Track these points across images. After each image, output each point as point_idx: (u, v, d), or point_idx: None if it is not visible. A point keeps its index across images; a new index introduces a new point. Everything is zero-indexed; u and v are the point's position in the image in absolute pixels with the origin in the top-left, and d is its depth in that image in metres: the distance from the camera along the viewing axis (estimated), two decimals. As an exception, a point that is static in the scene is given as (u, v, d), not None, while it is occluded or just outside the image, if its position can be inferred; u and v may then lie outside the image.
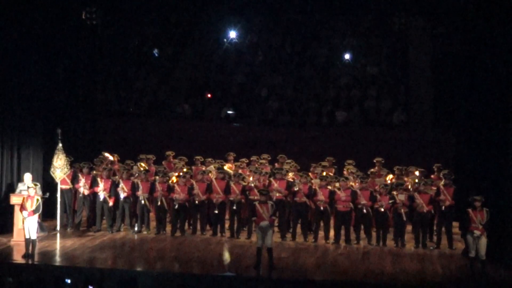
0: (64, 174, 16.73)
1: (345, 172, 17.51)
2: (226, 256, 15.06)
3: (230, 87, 23.60)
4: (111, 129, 21.45)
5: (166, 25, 24.41)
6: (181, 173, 17.18)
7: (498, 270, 14.04)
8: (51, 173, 16.69)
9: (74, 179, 17.11)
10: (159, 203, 16.63)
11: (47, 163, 17.09)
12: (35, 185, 14.97)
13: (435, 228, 16.46)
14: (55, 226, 16.81)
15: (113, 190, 16.77)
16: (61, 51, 18.11)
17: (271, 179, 16.74)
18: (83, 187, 16.92)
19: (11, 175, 16.94)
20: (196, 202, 16.57)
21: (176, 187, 16.63)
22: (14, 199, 15.72)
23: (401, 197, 15.71)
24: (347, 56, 23.41)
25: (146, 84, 23.67)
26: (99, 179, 16.89)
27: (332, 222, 16.36)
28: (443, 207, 15.82)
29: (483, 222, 13.73)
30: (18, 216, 15.37)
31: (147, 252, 15.12)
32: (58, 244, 15.75)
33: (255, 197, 15.52)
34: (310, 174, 17.16)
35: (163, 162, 18.86)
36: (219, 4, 21.12)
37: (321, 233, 16.28)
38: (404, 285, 13.31)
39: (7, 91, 16.80)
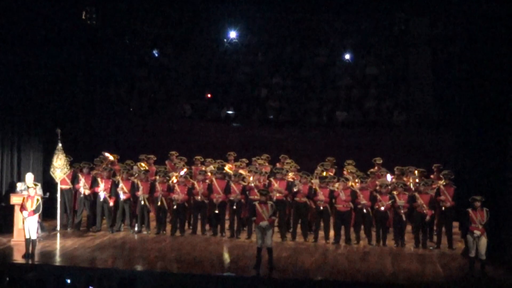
0: (64, 174, 16.73)
1: (345, 172, 17.50)
2: (226, 256, 15.06)
3: (230, 87, 23.61)
4: (111, 129, 21.45)
5: (166, 25, 24.41)
6: (182, 173, 17.18)
7: (498, 270, 14.04)
8: (51, 173, 16.69)
9: (74, 179, 17.10)
10: (159, 203, 16.64)
11: (47, 163, 17.09)
12: (35, 185, 14.97)
13: (435, 228, 16.46)
14: (55, 226, 16.80)
15: (113, 190, 16.77)
16: (61, 51, 18.10)
17: (271, 179, 16.73)
18: (83, 187, 16.92)
19: (11, 175, 16.95)
20: (198, 198, 16.57)
21: (176, 187, 16.64)
22: (14, 199, 15.71)
23: (400, 203, 15.71)
24: (347, 56, 23.43)
25: (146, 84, 23.67)
26: (99, 179, 16.89)
27: (332, 222, 16.36)
28: (443, 207, 15.82)
29: (483, 222, 13.74)
30: (18, 216, 15.36)
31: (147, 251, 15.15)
32: (58, 244, 15.76)
33: (255, 197, 15.51)
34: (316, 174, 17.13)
35: (166, 162, 18.86)
36: (219, 4, 21.09)
37: (321, 233, 16.29)
38: (404, 285, 13.31)
39: (7, 91, 16.79)
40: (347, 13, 22.76)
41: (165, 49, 24.41)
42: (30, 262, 14.04)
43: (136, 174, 17.32)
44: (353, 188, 16.40)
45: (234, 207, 16.42)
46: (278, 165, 18.27)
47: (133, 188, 16.83)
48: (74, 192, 17.24)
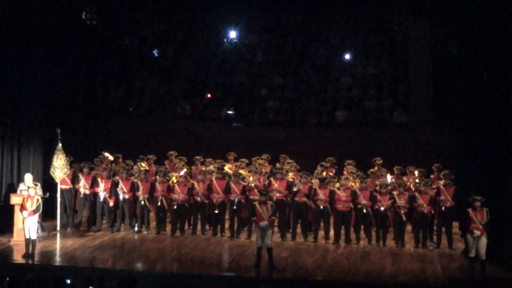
0: (64, 174, 16.71)
1: (345, 172, 17.49)
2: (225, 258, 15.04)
3: (230, 87, 23.61)
4: (111, 129, 21.45)
5: (166, 25, 24.42)
6: (182, 173, 17.18)
7: (498, 270, 14.04)
8: (51, 173, 16.67)
9: (74, 179, 17.11)
10: (159, 203, 16.64)
11: (47, 163, 17.09)
12: (35, 185, 14.96)
13: (435, 228, 16.46)
14: (55, 226, 16.80)
15: (113, 190, 16.76)
16: (61, 51, 18.10)
17: (271, 179, 16.73)
18: (83, 187, 16.92)
19: (11, 175, 16.95)
20: (198, 199, 16.58)
21: (176, 187, 16.64)
22: (14, 199, 15.71)
23: (400, 203, 15.71)
24: (347, 56, 23.44)
25: (146, 84, 23.67)
26: (99, 179, 16.89)
27: (332, 222, 16.36)
28: (443, 207, 15.82)
29: (483, 222, 13.73)
30: (18, 216, 15.37)
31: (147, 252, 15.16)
32: (58, 244, 15.75)
33: (255, 197, 15.51)
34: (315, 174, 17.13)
35: (166, 162, 18.86)
36: (219, 4, 21.10)
37: (321, 233, 16.28)
38: (404, 285, 13.31)
39: (7, 92, 16.80)
40: (347, 13, 22.80)
41: (165, 49, 24.42)
42: (30, 262, 14.04)
43: (136, 174, 17.32)
44: (353, 188, 16.39)
45: (234, 207, 16.42)
46: (278, 165, 18.27)
47: (133, 188, 16.83)
48: (74, 192, 17.24)
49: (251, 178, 16.90)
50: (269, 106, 22.83)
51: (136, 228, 16.91)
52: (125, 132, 21.64)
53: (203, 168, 17.71)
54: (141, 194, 16.67)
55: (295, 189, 16.35)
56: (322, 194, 16.08)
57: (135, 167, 17.90)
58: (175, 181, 17.12)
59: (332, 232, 16.28)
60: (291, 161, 18.25)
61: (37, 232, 14.63)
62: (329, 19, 24.05)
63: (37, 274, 12.06)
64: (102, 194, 16.76)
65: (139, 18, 23.43)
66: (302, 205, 16.29)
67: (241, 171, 17.42)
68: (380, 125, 21.77)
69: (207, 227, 16.97)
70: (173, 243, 15.99)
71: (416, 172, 17.38)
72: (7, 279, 10.45)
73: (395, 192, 16.04)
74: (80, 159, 17.60)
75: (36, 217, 14.45)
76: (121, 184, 16.77)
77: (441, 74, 21.53)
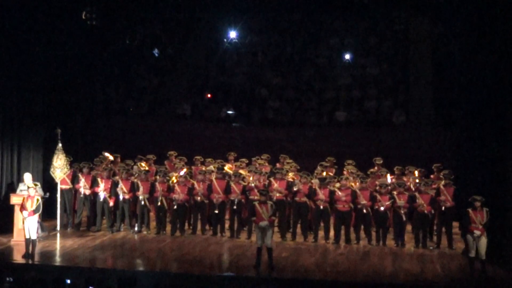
0: (64, 174, 16.72)
1: (345, 172, 17.50)
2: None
3: (230, 87, 23.60)
4: (111, 129, 21.44)
5: (166, 25, 24.41)
6: (182, 173, 17.18)
7: (498, 270, 14.04)
8: (51, 173, 16.68)
9: (74, 179, 17.11)
10: (159, 203, 16.64)
11: (47, 163, 17.09)
12: (35, 185, 14.96)
13: (435, 228, 16.46)
14: (55, 226, 16.80)
15: (113, 190, 16.77)
16: (61, 51, 18.10)
17: (271, 179, 16.73)
18: (83, 187, 16.92)
19: (11, 175, 16.95)
20: (198, 199, 16.58)
21: (176, 187, 16.64)
22: (14, 199, 15.71)
23: (400, 203, 15.70)
24: (347, 56, 23.42)
25: (146, 84, 23.66)
26: (99, 179, 16.89)
27: (332, 222, 16.36)
28: (443, 207, 15.81)
29: (483, 222, 13.74)
30: (18, 216, 15.37)
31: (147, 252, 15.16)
32: (58, 244, 15.76)
33: (255, 197, 15.51)
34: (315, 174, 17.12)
35: (165, 162, 18.86)
36: (219, 4, 21.09)
37: (321, 233, 16.28)
38: (404, 285, 13.31)
39: (7, 91, 16.80)
40: (347, 13, 22.78)
41: (165, 49, 24.40)
42: (30, 262, 14.05)
43: (136, 174, 17.32)
44: (353, 188, 16.39)
45: (234, 207, 16.42)
46: (278, 165, 18.27)
47: (133, 188, 16.83)
48: (74, 192, 17.24)
49: (251, 178, 16.91)
50: (269, 106, 22.82)
51: (136, 228, 16.91)
52: (125, 132, 21.63)
53: (203, 168, 17.72)
54: (141, 194, 16.68)
55: (295, 189, 16.35)
56: (322, 194, 16.08)
57: (135, 167, 17.90)
58: (175, 181, 17.12)
59: (332, 232, 16.28)
60: (291, 161, 18.26)
61: (37, 232, 14.63)
62: (329, 19, 24.03)
63: (37, 274, 12.09)
64: (102, 194, 16.76)
65: (139, 18, 23.40)
66: (302, 205, 16.29)
67: (241, 171, 17.42)
68: (380, 125, 21.76)
69: (207, 227, 16.97)
70: (173, 243, 15.99)
71: (416, 172, 17.39)
72: (8, 279, 10.45)
73: (395, 192, 16.04)
74: (80, 159, 17.61)
75: (36, 217, 14.45)
76: (121, 184, 16.78)
77: (441, 74, 21.54)
